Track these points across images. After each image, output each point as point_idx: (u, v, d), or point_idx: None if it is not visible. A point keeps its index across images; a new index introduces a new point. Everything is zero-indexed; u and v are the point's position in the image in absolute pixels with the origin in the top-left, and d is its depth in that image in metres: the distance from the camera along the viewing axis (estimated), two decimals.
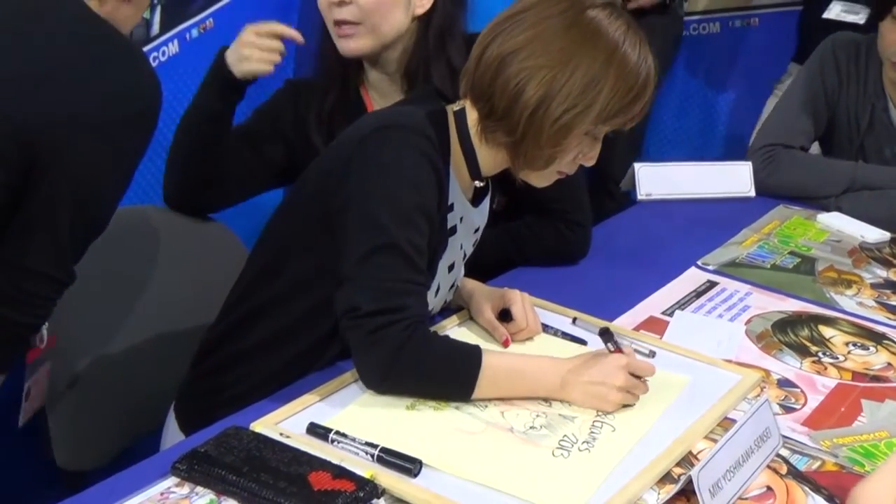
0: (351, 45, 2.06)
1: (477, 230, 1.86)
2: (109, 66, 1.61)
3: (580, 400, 1.61)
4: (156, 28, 2.59)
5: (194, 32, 2.70)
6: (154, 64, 2.10)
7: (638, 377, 1.63)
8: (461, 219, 1.77)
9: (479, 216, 1.84)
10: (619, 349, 1.66)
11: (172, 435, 1.85)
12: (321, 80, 2.14)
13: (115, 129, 1.59)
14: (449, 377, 1.59)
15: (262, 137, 2.12)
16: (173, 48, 2.65)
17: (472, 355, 1.59)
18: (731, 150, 3.91)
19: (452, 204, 1.73)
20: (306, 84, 2.19)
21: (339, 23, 2.05)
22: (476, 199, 1.80)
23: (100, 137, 1.57)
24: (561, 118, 1.62)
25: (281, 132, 2.12)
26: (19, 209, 1.56)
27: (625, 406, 1.62)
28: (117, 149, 1.61)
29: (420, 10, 2.07)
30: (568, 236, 2.16)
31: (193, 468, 1.37)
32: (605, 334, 1.69)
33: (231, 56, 2.03)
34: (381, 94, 2.14)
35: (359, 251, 1.58)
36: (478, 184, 1.76)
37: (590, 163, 1.74)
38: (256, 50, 2.00)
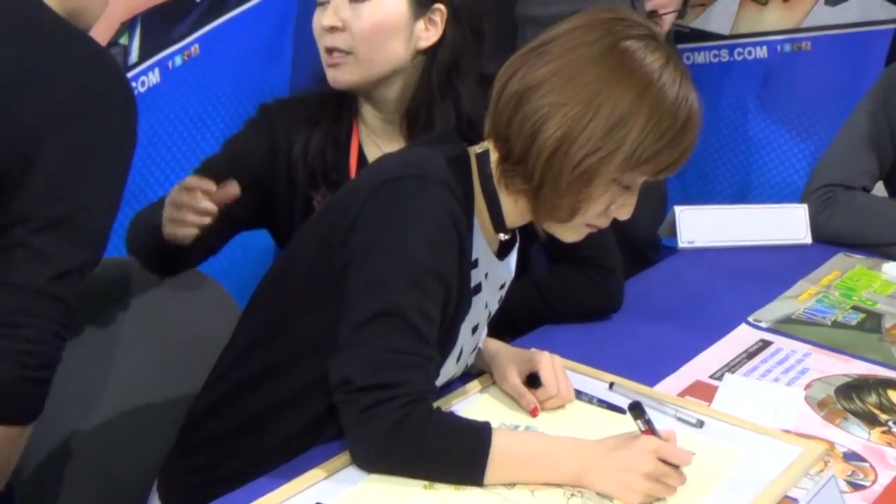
0: (341, 75, 2.06)
1: (503, 286, 1.87)
2: (71, 66, 1.63)
3: (603, 488, 1.60)
4: (134, 55, 2.61)
5: (178, 60, 2.72)
6: None
7: (673, 465, 1.61)
8: (486, 275, 1.78)
9: (506, 271, 1.85)
10: (650, 429, 1.64)
11: None
12: (312, 110, 2.15)
13: (87, 127, 1.61)
14: (453, 462, 1.59)
15: (228, 177, 2.12)
16: (154, 78, 2.67)
17: (479, 437, 1.59)
18: (783, 192, 3.91)
19: (477, 259, 1.74)
20: (284, 109, 2.17)
21: (329, 50, 2.06)
22: (502, 252, 1.81)
23: (71, 138, 1.59)
24: (582, 163, 1.62)
25: (252, 169, 2.12)
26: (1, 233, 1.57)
27: (660, 499, 1.60)
28: (92, 142, 1.62)
29: (424, 44, 2.07)
30: (601, 285, 2.18)
31: None
32: (636, 410, 1.66)
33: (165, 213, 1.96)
34: (375, 133, 2.15)
35: (359, 316, 1.59)
36: (502, 237, 1.78)
37: (624, 215, 1.73)
38: (177, 212, 1.92)
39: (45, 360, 1.60)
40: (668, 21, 3.54)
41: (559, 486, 1.61)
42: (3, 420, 1.60)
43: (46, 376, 1.61)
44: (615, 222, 1.77)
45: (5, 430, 1.60)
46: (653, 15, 3.56)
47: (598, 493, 1.60)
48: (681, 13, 3.68)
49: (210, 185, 1.88)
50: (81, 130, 1.61)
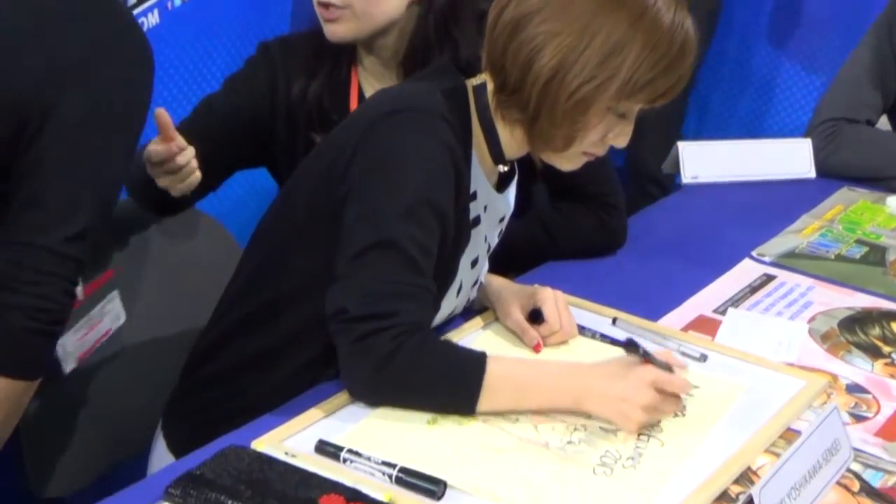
0: (337, 29, 2.05)
1: (502, 219, 1.87)
2: (88, 16, 1.65)
3: (602, 414, 1.61)
4: None
5: (177, 1, 2.71)
6: None
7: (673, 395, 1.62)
8: (485, 208, 1.78)
9: (505, 204, 1.85)
10: (648, 360, 1.64)
11: (160, 457, 1.86)
12: (310, 54, 2.14)
13: (107, 80, 1.63)
14: (447, 391, 1.60)
15: (228, 115, 2.13)
16: (153, 19, 2.66)
17: (473, 365, 1.60)
18: (787, 128, 3.90)
19: (475, 192, 1.74)
20: (284, 48, 2.17)
21: (324, 4, 2.04)
22: (501, 186, 1.81)
23: (90, 90, 1.61)
24: (577, 91, 1.62)
25: (252, 108, 2.13)
26: (13, 183, 1.59)
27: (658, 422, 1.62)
28: (111, 99, 1.64)
29: None
30: (607, 222, 2.18)
31: (189, 493, 1.38)
32: (631, 346, 1.66)
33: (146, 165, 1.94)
34: (376, 77, 2.14)
35: (355, 247, 1.60)
36: (502, 168, 1.77)
37: (621, 143, 1.73)
38: (162, 173, 1.90)
39: (55, 317, 1.62)
40: None
41: (562, 420, 1.61)
42: (12, 373, 1.63)
43: (55, 331, 1.64)
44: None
45: (13, 384, 1.63)
46: None
47: (601, 428, 1.60)
48: None
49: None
50: (99, 83, 1.62)
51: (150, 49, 1.69)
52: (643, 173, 3.37)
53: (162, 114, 1.84)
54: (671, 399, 1.61)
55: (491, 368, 1.59)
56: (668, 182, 3.16)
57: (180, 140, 1.87)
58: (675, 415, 1.65)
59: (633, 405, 1.58)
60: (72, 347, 1.71)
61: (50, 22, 1.62)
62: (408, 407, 1.60)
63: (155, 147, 1.87)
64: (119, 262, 2.02)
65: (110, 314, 1.78)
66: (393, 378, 1.57)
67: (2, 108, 1.57)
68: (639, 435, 1.60)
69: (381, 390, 1.60)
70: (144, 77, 1.68)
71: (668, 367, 1.63)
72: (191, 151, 1.90)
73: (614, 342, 1.84)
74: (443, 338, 1.78)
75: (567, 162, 1.75)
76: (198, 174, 1.92)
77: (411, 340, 1.56)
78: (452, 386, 1.59)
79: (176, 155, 1.87)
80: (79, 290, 1.70)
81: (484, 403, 1.59)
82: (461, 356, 1.62)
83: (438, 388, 1.60)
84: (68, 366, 1.72)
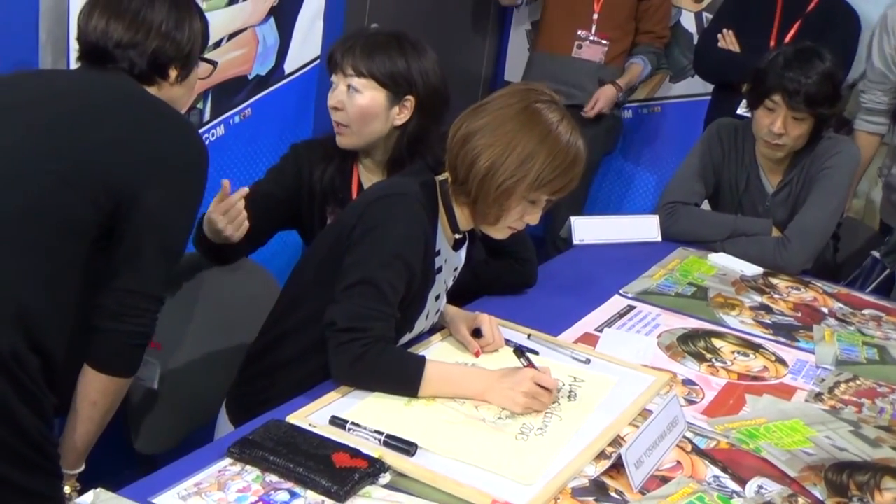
0: (342, 140, 2.05)
1: (456, 269, 1.87)
2: (167, 132, 1.65)
3: (497, 401, 1.60)
4: (207, 115, 2.60)
5: (237, 119, 2.71)
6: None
7: (544, 388, 1.61)
8: (445, 261, 1.78)
9: (459, 259, 1.85)
10: (530, 364, 1.66)
11: (224, 426, 1.85)
12: (327, 152, 2.12)
13: (177, 177, 1.63)
14: (398, 380, 1.60)
15: (269, 194, 2.10)
16: (220, 131, 2.66)
17: (417, 365, 1.60)
18: (643, 208, 3.93)
19: (439, 250, 1.75)
20: (308, 148, 2.15)
21: (335, 122, 2.05)
22: (457, 246, 1.82)
23: (166, 183, 1.61)
24: (503, 185, 1.63)
25: (285, 189, 2.11)
26: (115, 245, 1.58)
27: (538, 410, 1.60)
28: (180, 191, 1.64)
29: (398, 122, 2.03)
30: (520, 271, 2.17)
31: (244, 452, 1.38)
32: (518, 351, 1.68)
33: (206, 229, 1.94)
34: (371, 172, 2.13)
35: (348, 280, 1.60)
36: (456, 236, 1.78)
37: (533, 222, 1.74)
38: (226, 222, 1.90)
39: (147, 338, 1.64)
40: (598, 108, 3.52)
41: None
42: (122, 373, 1.64)
43: (145, 345, 1.65)
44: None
45: (118, 381, 1.64)
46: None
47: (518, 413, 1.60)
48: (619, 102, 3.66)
49: (234, 199, 1.89)
50: (175, 183, 1.63)
51: (207, 151, 1.70)
52: (556, 238, 3.37)
53: (225, 183, 1.88)
54: (546, 393, 1.61)
55: (428, 367, 1.60)
56: (569, 244, 3.18)
57: (233, 196, 1.88)
58: (569, 400, 1.66)
59: (517, 392, 1.58)
60: None
61: (141, 134, 1.61)
62: (374, 390, 1.60)
63: (216, 205, 1.88)
64: (195, 296, 2.01)
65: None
66: (362, 371, 1.57)
67: (103, 192, 1.56)
68: (545, 414, 1.60)
69: (355, 378, 1.59)
70: (203, 171, 1.68)
71: (544, 370, 1.64)
72: (239, 193, 1.89)
73: (529, 350, 1.84)
74: (414, 347, 1.78)
75: (497, 233, 1.75)
76: (246, 222, 1.91)
77: (376, 348, 1.57)
78: (402, 377, 1.60)
79: (234, 202, 1.88)
80: None
81: (422, 390, 1.59)
82: (408, 358, 1.63)
83: (393, 379, 1.60)
84: None
